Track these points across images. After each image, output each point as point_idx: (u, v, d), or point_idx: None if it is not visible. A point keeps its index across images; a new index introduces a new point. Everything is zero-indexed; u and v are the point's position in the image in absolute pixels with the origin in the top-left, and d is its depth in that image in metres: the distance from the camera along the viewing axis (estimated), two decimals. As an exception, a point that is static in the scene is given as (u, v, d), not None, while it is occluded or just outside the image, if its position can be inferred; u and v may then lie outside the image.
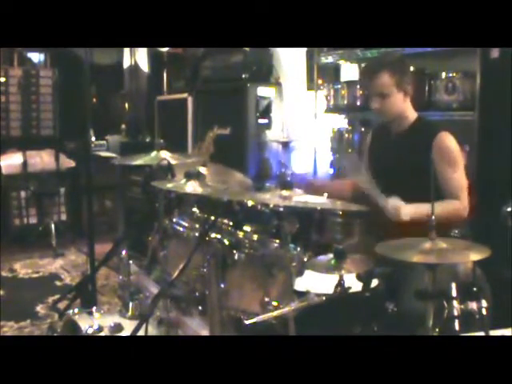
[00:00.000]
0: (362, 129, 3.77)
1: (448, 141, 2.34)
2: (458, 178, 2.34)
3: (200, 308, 2.10)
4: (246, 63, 4.56)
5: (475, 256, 1.61)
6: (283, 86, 4.70)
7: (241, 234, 2.09)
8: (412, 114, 2.45)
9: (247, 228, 2.12)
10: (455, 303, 1.62)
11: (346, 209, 2.19)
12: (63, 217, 5.73)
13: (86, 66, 3.01)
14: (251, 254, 1.99)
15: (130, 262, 2.39)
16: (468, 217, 2.34)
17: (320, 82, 4.11)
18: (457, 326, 1.61)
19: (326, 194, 2.09)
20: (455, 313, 1.61)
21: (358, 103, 3.75)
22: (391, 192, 2.36)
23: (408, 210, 2.18)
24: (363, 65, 3.17)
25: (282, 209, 1.92)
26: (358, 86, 3.74)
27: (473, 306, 1.61)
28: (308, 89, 4.43)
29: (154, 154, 2.54)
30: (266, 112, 4.59)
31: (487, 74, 2.91)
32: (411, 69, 2.52)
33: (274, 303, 1.86)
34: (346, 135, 3.88)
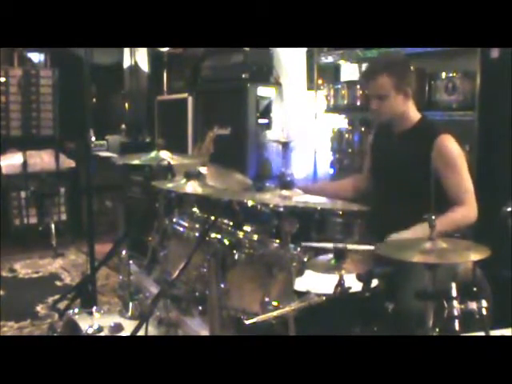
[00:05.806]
0: (362, 129, 3.78)
1: (449, 143, 2.31)
2: (461, 180, 2.30)
3: (200, 308, 2.10)
4: (246, 63, 4.56)
5: (475, 256, 1.61)
6: (283, 86, 4.70)
7: (241, 234, 2.09)
8: (415, 115, 2.43)
9: (247, 228, 2.12)
10: (455, 303, 1.61)
11: (346, 209, 2.18)
12: (63, 217, 5.71)
13: (86, 66, 3.01)
14: (251, 254, 1.99)
15: (130, 261, 2.39)
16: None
17: (320, 82, 4.11)
18: (457, 326, 1.61)
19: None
20: (455, 313, 1.60)
21: (358, 103, 3.75)
22: (393, 192, 2.35)
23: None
24: (364, 65, 3.17)
25: (282, 209, 1.92)
26: (358, 86, 3.75)
27: (473, 306, 1.60)
28: (308, 89, 4.42)
29: (153, 153, 2.54)
30: (266, 112, 4.59)
31: (487, 74, 2.90)
32: (412, 69, 2.51)
33: (274, 303, 1.85)
34: (346, 135, 3.88)
